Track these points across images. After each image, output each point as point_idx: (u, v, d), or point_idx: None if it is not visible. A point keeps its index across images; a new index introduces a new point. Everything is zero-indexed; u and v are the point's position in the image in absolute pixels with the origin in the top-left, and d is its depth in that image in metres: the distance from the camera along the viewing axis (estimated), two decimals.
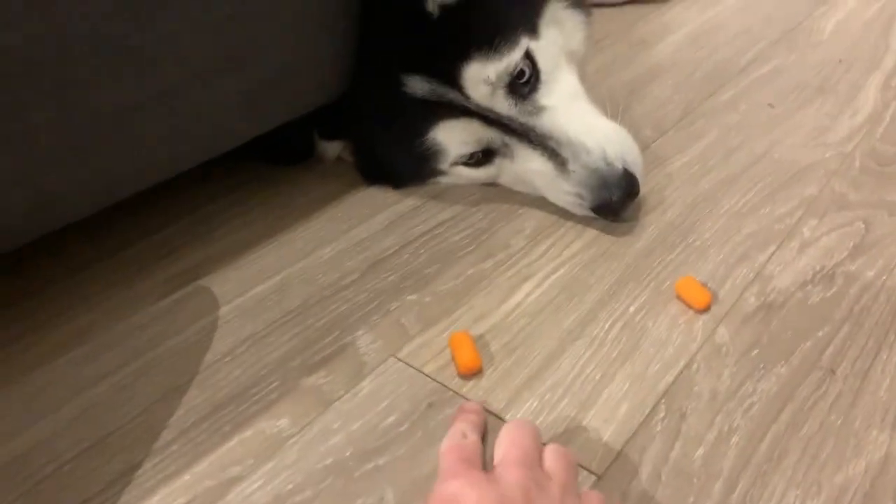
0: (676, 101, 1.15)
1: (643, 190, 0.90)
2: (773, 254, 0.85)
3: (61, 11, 0.62)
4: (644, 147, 1.04)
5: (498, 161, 0.93)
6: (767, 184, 0.97)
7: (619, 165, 0.85)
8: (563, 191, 0.88)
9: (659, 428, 0.66)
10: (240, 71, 0.79)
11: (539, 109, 0.88)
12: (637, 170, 0.87)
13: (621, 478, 0.62)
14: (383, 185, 0.99)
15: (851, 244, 0.86)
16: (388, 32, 0.88)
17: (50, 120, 0.65)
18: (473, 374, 0.72)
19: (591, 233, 0.89)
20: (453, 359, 0.73)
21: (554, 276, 0.83)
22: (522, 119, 0.88)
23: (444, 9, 0.85)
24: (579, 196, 0.87)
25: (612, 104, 1.10)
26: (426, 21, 0.85)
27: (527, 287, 0.82)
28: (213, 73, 0.76)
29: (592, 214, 0.88)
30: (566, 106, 0.89)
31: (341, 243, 0.89)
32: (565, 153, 0.86)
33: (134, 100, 0.71)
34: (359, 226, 0.92)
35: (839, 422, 0.67)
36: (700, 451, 0.64)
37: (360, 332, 0.77)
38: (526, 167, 0.90)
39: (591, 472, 0.63)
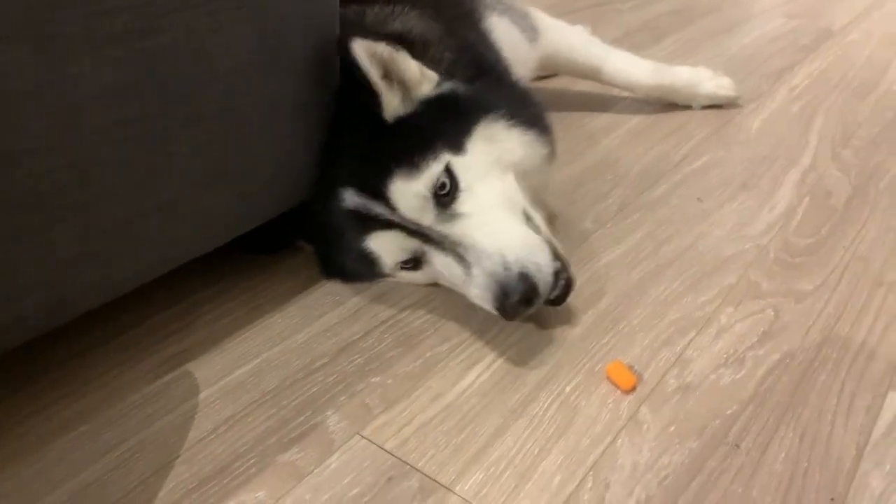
0: (616, 195, 1.29)
1: (579, 281, 1.02)
2: (692, 339, 0.98)
3: (83, 141, 0.74)
4: (584, 239, 1.17)
5: (424, 266, 1.02)
6: (691, 274, 1.10)
7: (515, 270, 0.89)
8: (472, 292, 0.94)
9: (586, 497, 0.77)
10: (231, 181, 0.91)
11: (455, 217, 0.95)
12: (540, 276, 0.91)
13: None
14: (340, 281, 1.10)
15: (762, 330, 0.99)
16: (336, 145, 1.01)
17: (69, 232, 0.76)
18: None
19: (536, 318, 1.01)
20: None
21: (501, 360, 0.95)
22: (439, 227, 0.96)
23: (398, 120, 0.99)
24: (483, 297, 0.92)
25: (559, 199, 1.25)
26: (367, 136, 0.98)
27: (477, 369, 0.94)
28: (209, 183, 0.89)
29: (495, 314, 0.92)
30: (481, 213, 0.96)
31: (314, 329, 1.00)
32: (470, 258, 0.92)
33: (140, 210, 0.82)
34: (330, 312, 1.04)
35: (740, 490, 0.78)
36: None
37: (329, 413, 0.87)
38: (442, 271, 0.99)
39: None
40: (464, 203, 0.97)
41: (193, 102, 0.84)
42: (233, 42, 0.85)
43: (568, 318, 1.01)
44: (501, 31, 1.29)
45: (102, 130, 0.76)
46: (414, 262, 1.02)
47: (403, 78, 0.99)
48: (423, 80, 1.01)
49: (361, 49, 0.95)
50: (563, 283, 0.95)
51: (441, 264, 0.98)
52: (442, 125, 0.99)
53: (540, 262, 0.92)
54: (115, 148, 0.78)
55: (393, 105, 0.99)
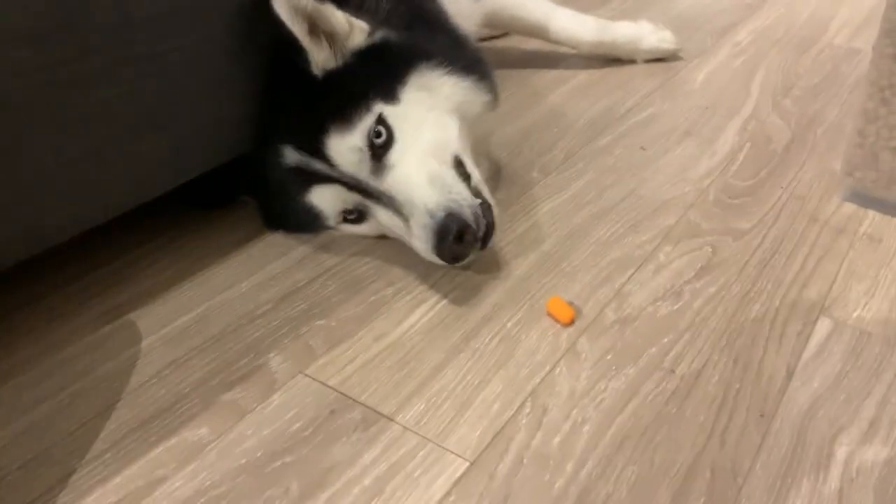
0: (561, 146, 1.31)
1: (519, 229, 1.03)
2: (631, 276, 1.00)
3: (3, 85, 0.73)
4: (530, 187, 1.19)
5: (369, 219, 1.03)
6: (632, 217, 1.12)
7: (441, 213, 0.90)
8: (415, 245, 0.94)
9: (524, 421, 0.79)
10: (163, 129, 0.91)
11: (386, 169, 0.95)
12: (463, 208, 0.91)
13: (490, 463, 0.75)
14: (283, 232, 1.10)
15: (699, 266, 1.02)
16: (273, 101, 1.01)
17: None
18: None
19: (480, 262, 1.03)
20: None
21: (445, 300, 0.96)
22: (373, 182, 0.96)
23: (327, 74, 0.98)
24: (422, 249, 0.93)
25: (505, 151, 1.26)
26: (301, 92, 0.98)
27: (421, 310, 0.95)
28: (140, 130, 0.88)
29: (441, 262, 0.93)
30: (405, 164, 0.95)
31: (257, 278, 1.01)
32: (406, 210, 0.93)
33: (67, 156, 0.82)
34: (274, 262, 1.04)
35: (674, 411, 0.80)
36: (557, 439, 0.77)
37: (272, 354, 0.88)
38: (385, 224, 1.00)
39: (464, 458, 0.75)
40: (393, 153, 0.97)
41: (116, 47, 0.83)
42: None
43: (511, 261, 1.03)
44: None
45: (23, 74, 0.75)
46: (358, 215, 1.03)
47: (331, 30, 0.98)
48: (353, 30, 1.00)
49: (283, 5, 0.93)
50: (485, 225, 0.95)
51: (384, 217, 0.98)
52: (375, 75, 0.99)
53: (457, 198, 0.92)
54: (38, 92, 0.77)
55: (322, 59, 0.98)
